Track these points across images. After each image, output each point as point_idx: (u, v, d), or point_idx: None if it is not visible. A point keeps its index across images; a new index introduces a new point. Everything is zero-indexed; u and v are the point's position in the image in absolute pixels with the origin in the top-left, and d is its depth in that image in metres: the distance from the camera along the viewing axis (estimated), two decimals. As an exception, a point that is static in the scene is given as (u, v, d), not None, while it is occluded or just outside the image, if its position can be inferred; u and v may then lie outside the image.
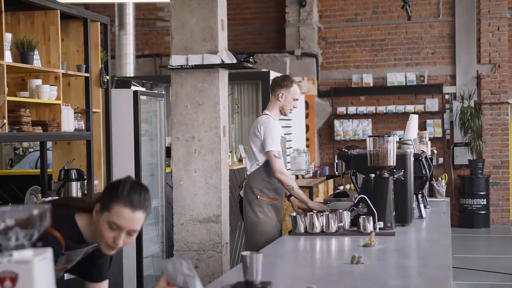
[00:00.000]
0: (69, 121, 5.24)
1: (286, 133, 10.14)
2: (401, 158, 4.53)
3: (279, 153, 5.05)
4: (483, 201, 12.16)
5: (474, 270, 8.70)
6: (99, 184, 5.80)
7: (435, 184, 6.42)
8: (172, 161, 5.67)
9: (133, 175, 6.21)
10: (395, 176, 4.44)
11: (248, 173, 5.21)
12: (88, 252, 2.75)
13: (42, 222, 1.79)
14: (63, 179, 5.37)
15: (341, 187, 12.22)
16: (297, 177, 10.37)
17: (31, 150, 8.79)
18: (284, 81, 5.24)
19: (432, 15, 12.76)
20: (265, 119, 5.17)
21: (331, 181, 11.23)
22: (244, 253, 2.74)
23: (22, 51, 4.77)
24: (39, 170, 5.71)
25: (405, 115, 12.45)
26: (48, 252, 1.79)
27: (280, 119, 8.88)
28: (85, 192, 5.56)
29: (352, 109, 12.82)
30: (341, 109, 12.87)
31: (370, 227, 4.17)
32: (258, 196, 5.13)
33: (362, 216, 4.22)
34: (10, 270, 1.70)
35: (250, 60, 5.87)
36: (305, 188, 9.25)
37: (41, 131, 4.91)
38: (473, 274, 8.51)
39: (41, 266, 1.74)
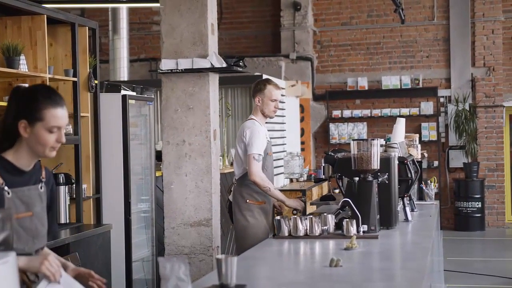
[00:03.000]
0: (56, 126, 5.24)
1: (280, 136, 10.19)
2: (386, 162, 4.54)
3: (259, 157, 5.13)
4: (478, 204, 12.17)
5: (468, 273, 8.71)
6: (87, 188, 5.82)
7: (424, 188, 6.43)
8: (163, 165, 5.68)
9: (122, 178, 6.25)
10: (379, 180, 4.45)
11: (237, 178, 5.30)
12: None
13: (5, 226, 1.81)
14: (51, 183, 5.38)
15: (337, 191, 12.22)
16: (291, 180, 10.38)
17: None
18: (258, 85, 5.38)
19: (426, 19, 12.78)
20: (250, 124, 5.28)
21: (325, 185, 11.24)
22: (219, 256, 2.76)
23: (8, 56, 4.80)
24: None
25: (400, 118, 12.45)
26: (11, 256, 1.81)
27: (273, 123, 8.92)
28: (74, 196, 5.58)
29: (347, 113, 12.84)
30: (336, 113, 12.89)
31: (353, 230, 4.18)
32: (248, 200, 5.22)
33: (345, 220, 4.24)
34: (-30, 274, 1.72)
35: (240, 64, 5.89)
36: (299, 191, 9.27)
37: (27, 135, 4.92)
38: (466, 277, 8.52)
39: (3, 270, 1.76)
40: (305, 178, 10.63)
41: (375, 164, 4.39)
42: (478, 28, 12.54)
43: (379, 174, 4.47)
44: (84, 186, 5.71)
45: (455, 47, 12.59)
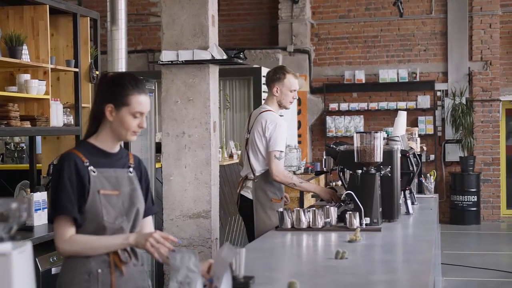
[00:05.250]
0: (58, 116, 5.24)
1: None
2: (388, 155, 4.55)
3: (280, 154, 4.90)
4: (474, 198, 12.21)
5: (463, 267, 8.74)
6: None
7: (423, 181, 6.44)
8: (162, 157, 5.67)
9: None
10: (381, 172, 4.46)
11: (257, 174, 5.02)
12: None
13: (21, 215, 1.80)
14: (52, 173, 5.37)
15: (333, 183, 12.23)
16: (288, 173, 10.39)
17: (22, 145, 8.79)
18: (276, 74, 5.08)
19: (424, 12, 12.79)
20: (271, 116, 5.01)
21: (322, 178, 11.26)
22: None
23: (11, 46, 4.77)
24: (28, 165, 5.70)
25: (397, 112, 12.45)
26: (27, 246, 1.81)
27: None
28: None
29: (344, 106, 12.85)
30: (333, 106, 12.90)
31: (356, 223, 4.19)
32: (272, 199, 5.01)
33: (348, 212, 4.24)
34: (-12, 263, 1.72)
35: (240, 56, 5.88)
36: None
37: (29, 125, 4.91)
38: (462, 271, 8.56)
39: (20, 259, 1.75)
40: (302, 171, 10.64)
41: (378, 157, 4.39)
42: (475, 22, 12.56)
43: (381, 167, 4.47)
44: (84, 177, 5.69)
45: (453, 41, 12.60)
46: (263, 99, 9.75)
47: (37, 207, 4.77)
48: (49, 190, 5.34)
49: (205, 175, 5.65)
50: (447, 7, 12.63)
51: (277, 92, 5.06)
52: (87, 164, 2.79)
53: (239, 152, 8.40)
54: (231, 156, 8.16)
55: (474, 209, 12.25)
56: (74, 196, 2.75)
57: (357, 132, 4.47)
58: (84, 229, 2.79)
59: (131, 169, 2.92)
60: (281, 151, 4.92)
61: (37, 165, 5.75)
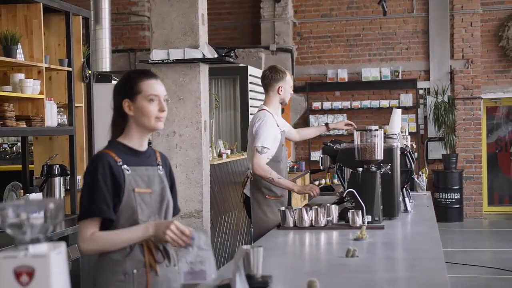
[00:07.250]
0: (52, 116, 5.17)
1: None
2: (388, 152, 4.55)
3: (262, 149, 4.95)
4: (456, 195, 12.30)
5: (450, 264, 8.80)
6: (81, 180, 5.74)
7: (416, 178, 6.47)
8: (154, 156, 5.62)
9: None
10: (382, 170, 4.46)
11: (252, 172, 5.05)
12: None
13: (57, 215, 1.77)
14: (46, 174, 5.30)
15: (316, 182, 12.26)
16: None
17: (5, 146, 8.71)
18: (279, 74, 5.16)
19: (406, 11, 12.85)
20: (261, 115, 5.08)
21: (307, 176, 11.29)
22: (245, 247, 2.74)
23: (6, 45, 4.70)
24: (20, 166, 5.62)
25: (380, 110, 12.57)
26: (63, 247, 1.78)
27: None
28: (68, 187, 5.50)
29: (327, 104, 12.87)
30: (316, 104, 12.91)
31: (359, 221, 4.19)
32: (267, 196, 5.05)
33: (351, 210, 4.24)
34: (26, 265, 1.69)
35: (231, 54, 5.86)
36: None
37: (24, 126, 4.84)
38: (449, 268, 8.58)
39: (57, 260, 1.73)
40: (288, 170, 10.63)
41: (379, 155, 4.40)
42: (456, 20, 12.65)
43: (381, 164, 4.47)
44: (78, 177, 5.63)
45: (434, 39, 12.68)
46: (250, 98, 9.77)
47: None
48: (43, 191, 5.28)
49: (197, 175, 5.63)
50: (428, 5, 12.71)
51: (281, 90, 5.15)
52: (121, 163, 2.76)
53: (228, 151, 8.38)
54: (220, 155, 8.13)
55: (457, 206, 12.34)
56: (109, 197, 2.71)
57: (357, 130, 4.47)
58: (117, 228, 2.76)
59: (160, 167, 2.90)
60: (263, 146, 4.95)
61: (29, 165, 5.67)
